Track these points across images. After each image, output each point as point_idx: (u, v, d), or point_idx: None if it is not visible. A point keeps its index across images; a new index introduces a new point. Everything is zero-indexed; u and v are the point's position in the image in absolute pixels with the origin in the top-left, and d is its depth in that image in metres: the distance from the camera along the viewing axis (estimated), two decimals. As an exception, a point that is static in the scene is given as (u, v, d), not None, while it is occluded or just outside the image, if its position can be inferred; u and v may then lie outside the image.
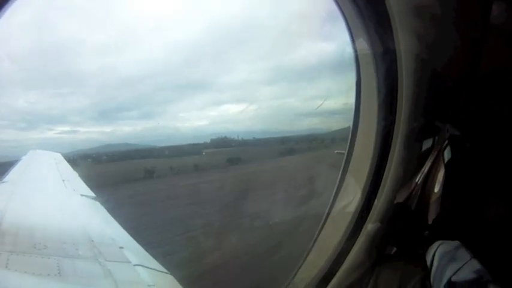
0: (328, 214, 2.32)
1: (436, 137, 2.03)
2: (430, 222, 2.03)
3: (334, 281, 2.18)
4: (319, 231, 2.35)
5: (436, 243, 1.91)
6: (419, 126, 1.99)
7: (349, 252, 2.17)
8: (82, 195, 6.79)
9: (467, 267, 1.66)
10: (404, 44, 1.80)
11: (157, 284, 4.13)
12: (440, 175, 2.02)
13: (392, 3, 1.70)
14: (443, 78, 1.90)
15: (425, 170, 2.05)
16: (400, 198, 2.07)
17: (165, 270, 4.69)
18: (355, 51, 2.05)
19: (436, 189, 2.03)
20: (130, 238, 5.58)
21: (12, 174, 6.46)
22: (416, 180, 2.08)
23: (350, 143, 2.23)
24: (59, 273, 3.74)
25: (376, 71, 1.96)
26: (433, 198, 2.03)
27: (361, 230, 2.15)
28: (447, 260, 1.79)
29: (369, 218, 2.13)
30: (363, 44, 1.96)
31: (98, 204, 6.60)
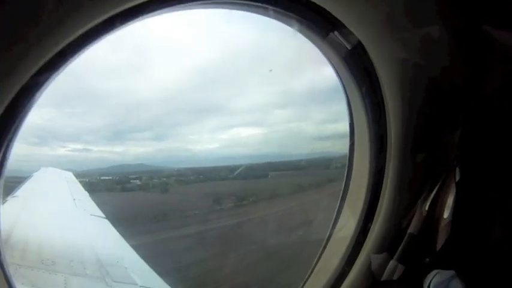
0: (328, 240, 2.29)
1: (432, 160, 2.00)
2: (428, 249, 1.98)
3: None
4: (318, 257, 2.29)
5: (433, 272, 1.88)
6: (415, 152, 1.98)
7: (346, 278, 2.12)
8: (92, 214, 6.75)
9: None
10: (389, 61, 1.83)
11: None
12: (440, 201, 1.98)
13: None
14: (438, 94, 1.88)
15: (424, 196, 2.01)
16: (398, 224, 2.05)
17: None
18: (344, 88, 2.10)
19: (434, 215, 1.99)
20: (139, 258, 5.48)
21: (23, 190, 6.48)
22: (414, 206, 2.02)
23: (347, 170, 2.23)
24: (66, 289, 3.66)
25: (362, 96, 1.99)
26: (432, 224, 1.99)
27: (357, 256, 2.11)
28: None
29: (365, 243, 2.10)
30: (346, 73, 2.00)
31: (107, 224, 6.53)
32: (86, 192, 8.06)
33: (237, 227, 10.56)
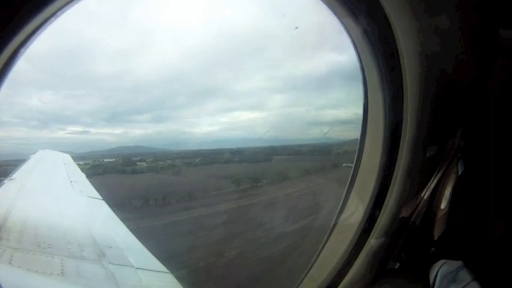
0: (333, 227, 2.28)
1: (443, 153, 1.98)
2: (435, 239, 1.99)
3: None
4: (324, 244, 2.30)
5: (440, 262, 1.88)
6: (425, 142, 1.95)
7: (352, 266, 2.14)
8: (89, 197, 6.79)
9: None
10: (408, 50, 1.77)
11: (156, 285, 4.18)
12: (447, 191, 1.98)
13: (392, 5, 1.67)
14: (451, 88, 1.85)
15: (432, 186, 2.01)
16: (405, 213, 2.04)
17: (166, 270, 4.72)
18: (360, 62, 2.01)
19: (442, 206, 1.99)
20: (136, 239, 5.56)
21: (20, 173, 6.51)
22: (422, 195, 2.03)
23: (357, 157, 2.19)
24: (62, 272, 3.71)
25: (382, 82, 1.92)
26: (439, 214, 2.00)
27: (364, 244, 2.11)
28: (448, 280, 1.78)
29: (372, 232, 2.09)
30: (367, 55, 1.92)
31: (104, 205, 6.58)
32: (83, 173, 8.08)
33: (261, 205, 11.01)
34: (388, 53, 1.80)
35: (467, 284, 1.67)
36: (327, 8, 1.78)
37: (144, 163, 13.90)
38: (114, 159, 13.71)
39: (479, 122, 1.87)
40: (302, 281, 2.35)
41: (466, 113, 1.90)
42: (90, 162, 12.46)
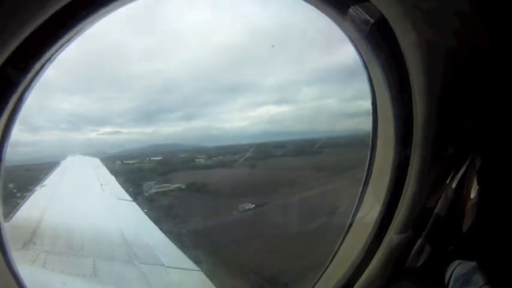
0: (350, 225, 2.24)
1: (462, 146, 1.85)
2: (452, 238, 1.89)
3: None
4: (341, 243, 2.26)
5: (455, 262, 1.78)
6: (442, 134, 1.84)
7: (368, 265, 2.08)
8: (119, 198, 6.94)
9: None
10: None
11: (187, 283, 4.21)
12: (467, 188, 1.85)
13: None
14: (460, 82, 1.72)
15: (451, 182, 1.89)
16: (422, 211, 1.95)
17: (196, 268, 4.77)
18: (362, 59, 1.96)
19: (462, 203, 1.86)
20: (166, 239, 5.63)
21: (51, 178, 6.76)
22: (441, 192, 1.91)
23: (370, 154, 2.13)
24: (94, 273, 3.80)
25: (385, 72, 1.83)
26: (458, 212, 1.87)
27: (381, 243, 2.05)
28: (461, 282, 1.70)
29: (389, 230, 2.02)
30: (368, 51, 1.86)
31: (135, 206, 6.71)
32: (113, 176, 8.28)
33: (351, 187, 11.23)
34: (389, 48, 1.74)
35: (481, 286, 1.59)
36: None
37: (202, 159, 14.06)
38: (162, 158, 13.84)
39: (496, 116, 1.74)
40: (319, 279, 2.33)
41: (479, 106, 1.77)
42: (137, 162, 12.63)
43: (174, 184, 11.27)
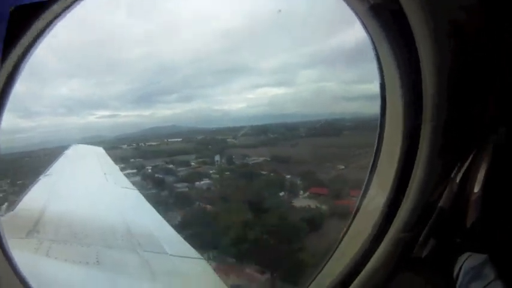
0: (355, 214, 2.22)
1: (471, 134, 1.79)
2: (462, 229, 1.81)
3: (355, 282, 2.09)
4: (346, 231, 2.24)
5: (465, 255, 1.73)
6: (451, 122, 1.77)
7: (374, 253, 2.04)
8: (123, 187, 6.96)
9: None
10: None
11: (190, 271, 4.25)
12: (477, 177, 1.77)
13: None
14: (473, 70, 1.66)
15: (459, 171, 1.83)
16: (429, 200, 1.90)
17: (199, 257, 4.84)
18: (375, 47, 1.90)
19: (470, 193, 1.79)
20: (170, 227, 5.65)
21: (55, 168, 6.78)
22: (449, 181, 1.85)
23: (377, 143, 2.08)
24: (97, 261, 3.82)
25: (393, 49, 1.79)
26: (467, 202, 1.80)
27: (386, 233, 2.00)
28: (471, 276, 1.64)
29: (395, 220, 1.97)
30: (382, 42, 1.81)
31: (138, 195, 6.72)
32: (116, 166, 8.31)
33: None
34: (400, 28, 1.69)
35: (489, 283, 1.54)
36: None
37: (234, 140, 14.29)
38: (180, 139, 13.83)
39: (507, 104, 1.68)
40: (324, 265, 2.30)
41: (492, 94, 1.71)
42: (155, 144, 12.60)
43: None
